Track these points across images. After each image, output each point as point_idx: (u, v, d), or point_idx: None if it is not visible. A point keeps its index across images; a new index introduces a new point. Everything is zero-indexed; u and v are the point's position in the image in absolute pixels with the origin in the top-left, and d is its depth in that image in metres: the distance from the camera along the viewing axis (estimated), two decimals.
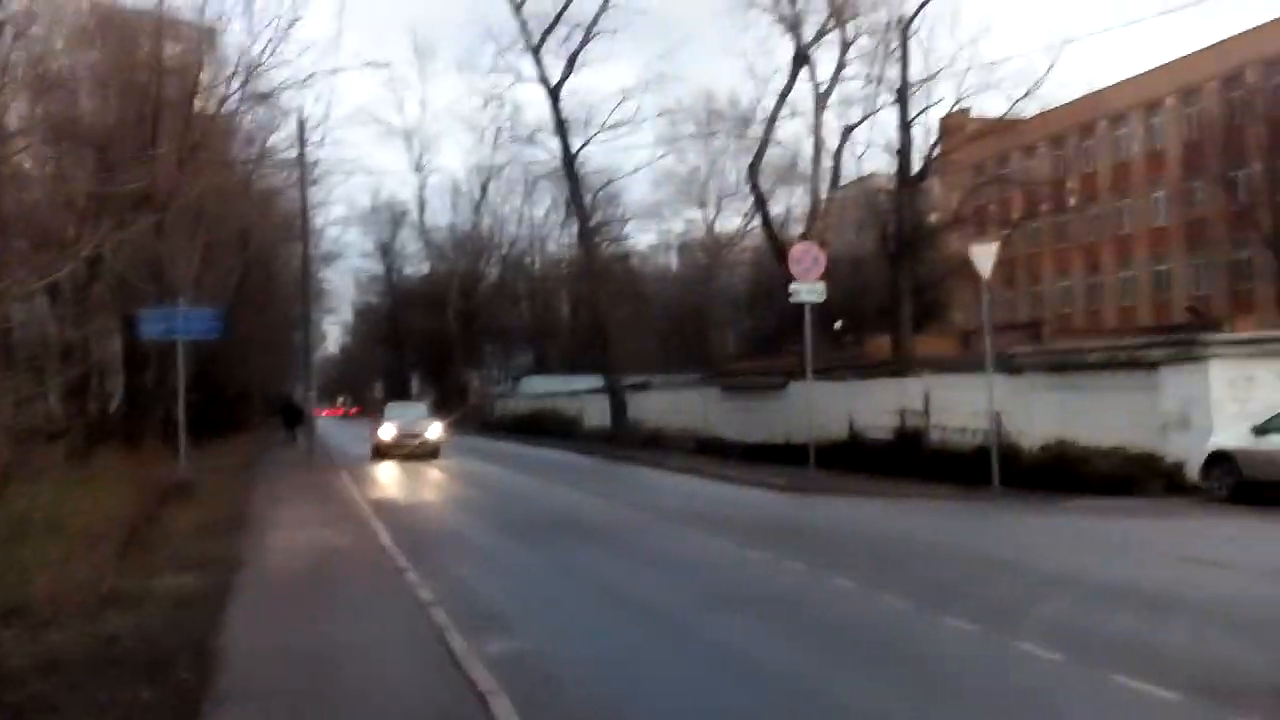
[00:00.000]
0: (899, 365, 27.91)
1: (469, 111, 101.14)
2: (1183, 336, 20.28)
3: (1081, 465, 18.84)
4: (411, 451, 31.05)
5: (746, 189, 76.04)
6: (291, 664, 7.48)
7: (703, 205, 77.36)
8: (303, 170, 28.31)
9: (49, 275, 26.54)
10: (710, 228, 78.49)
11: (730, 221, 79.96)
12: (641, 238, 73.71)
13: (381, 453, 31.53)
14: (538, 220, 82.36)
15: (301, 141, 28.01)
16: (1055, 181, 47.42)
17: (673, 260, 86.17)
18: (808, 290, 22.14)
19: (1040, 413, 20.66)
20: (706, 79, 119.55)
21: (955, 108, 34.76)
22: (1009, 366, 21.88)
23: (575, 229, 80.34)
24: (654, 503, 18.74)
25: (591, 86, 77.64)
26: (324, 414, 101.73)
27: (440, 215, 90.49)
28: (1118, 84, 49.12)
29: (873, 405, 24.92)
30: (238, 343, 39.83)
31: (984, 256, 19.60)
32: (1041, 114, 35.52)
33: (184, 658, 7.33)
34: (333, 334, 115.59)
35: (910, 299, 34.44)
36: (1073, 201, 43.67)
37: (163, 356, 26.55)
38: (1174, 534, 14.27)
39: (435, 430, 32.70)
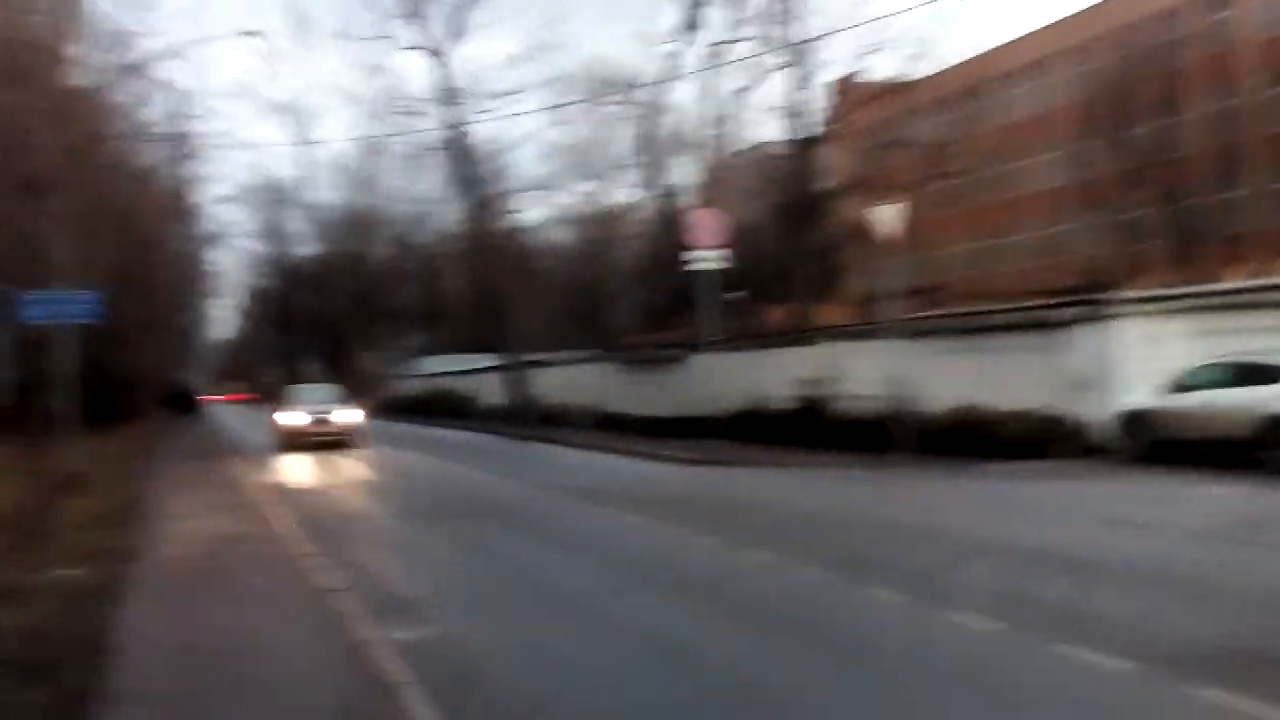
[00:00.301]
0: (800, 334, 27.99)
1: (350, 84, 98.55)
2: (1091, 296, 20.36)
3: (991, 429, 18.83)
4: (324, 441, 27.52)
5: (636, 160, 77.05)
6: (189, 661, 7.13)
7: (592, 178, 76.94)
8: (182, 145, 27.29)
9: None
10: (600, 200, 78.11)
11: (621, 194, 79.86)
12: (530, 213, 72.80)
13: (289, 443, 27.50)
14: (425, 196, 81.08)
15: (180, 114, 27.02)
16: (948, 145, 47.96)
17: (562, 235, 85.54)
18: (707, 257, 22.05)
19: (946, 377, 20.56)
20: (594, 46, 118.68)
21: (849, 71, 34.99)
22: (912, 331, 21.80)
23: (464, 204, 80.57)
24: (562, 481, 18.52)
25: (477, 56, 76.46)
26: (222, 400, 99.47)
27: (326, 193, 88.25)
28: (1008, 44, 49.61)
29: (775, 375, 24.88)
30: (125, 328, 38.57)
31: (886, 218, 19.68)
32: (933, 76, 35.92)
33: (74, 657, 6.96)
34: (225, 318, 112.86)
35: (808, 266, 34.65)
36: (964, 165, 44.11)
37: (51, 344, 25.58)
38: (1094, 496, 14.29)
39: (352, 415, 29.39)
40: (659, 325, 68.49)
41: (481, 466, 21.63)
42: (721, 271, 34.65)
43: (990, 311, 24.70)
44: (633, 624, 8.04)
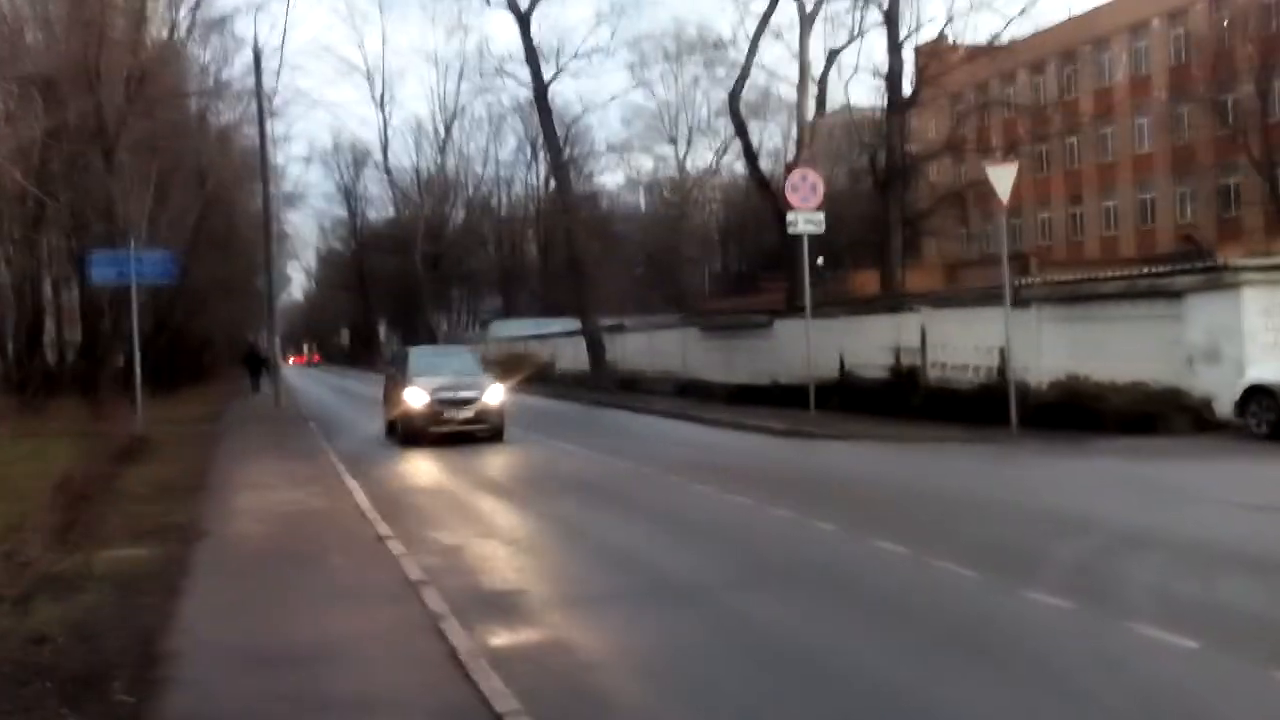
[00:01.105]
0: (894, 300, 26.60)
1: (432, 46, 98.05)
2: (1210, 264, 18.90)
3: (1095, 402, 17.63)
4: (463, 431, 19.51)
5: (719, 123, 75.43)
6: (258, 674, 6.06)
7: (673, 141, 75.76)
8: (260, 101, 26.54)
9: None
10: (681, 164, 76.80)
11: (702, 157, 78.51)
12: (610, 177, 71.67)
13: (415, 432, 19.48)
14: (504, 160, 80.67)
15: (258, 70, 26.20)
16: (1044, 107, 45.95)
17: (641, 199, 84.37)
18: (806, 219, 20.71)
19: (1049, 348, 19.48)
20: (682, 6, 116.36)
21: (942, 32, 33.34)
22: (1015, 299, 20.54)
23: (542, 169, 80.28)
24: (651, 452, 17.34)
25: (561, 15, 75.10)
26: (295, 361, 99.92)
27: (404, 157, 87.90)
28: (1104, 6, 47.70)
29: (865, 343, 23.73)
30: (198, 288, 38.20)
31: (1002, 177, 18.19)
32: (1027, 39, 34.27)
33: (126, 665, 5.95)
34: (297, 280, 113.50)
35: (900, 231, 33.12)
36: (1060, 128, 42.27)
37: (120, 303, 25.03)
38: (1228, 477, 12.96)
39: (495, 394, 20.32)
40: (737, 291, 67.32)
41: (563, 435, 20.56)
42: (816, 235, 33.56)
43: (1099, 279, 23.24)
44: (769, 629, 6.87)
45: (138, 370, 21.09)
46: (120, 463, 15.90)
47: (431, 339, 71.07)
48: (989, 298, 21.37)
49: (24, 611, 7.17)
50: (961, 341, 20.93)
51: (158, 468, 15.52)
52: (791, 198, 20.75)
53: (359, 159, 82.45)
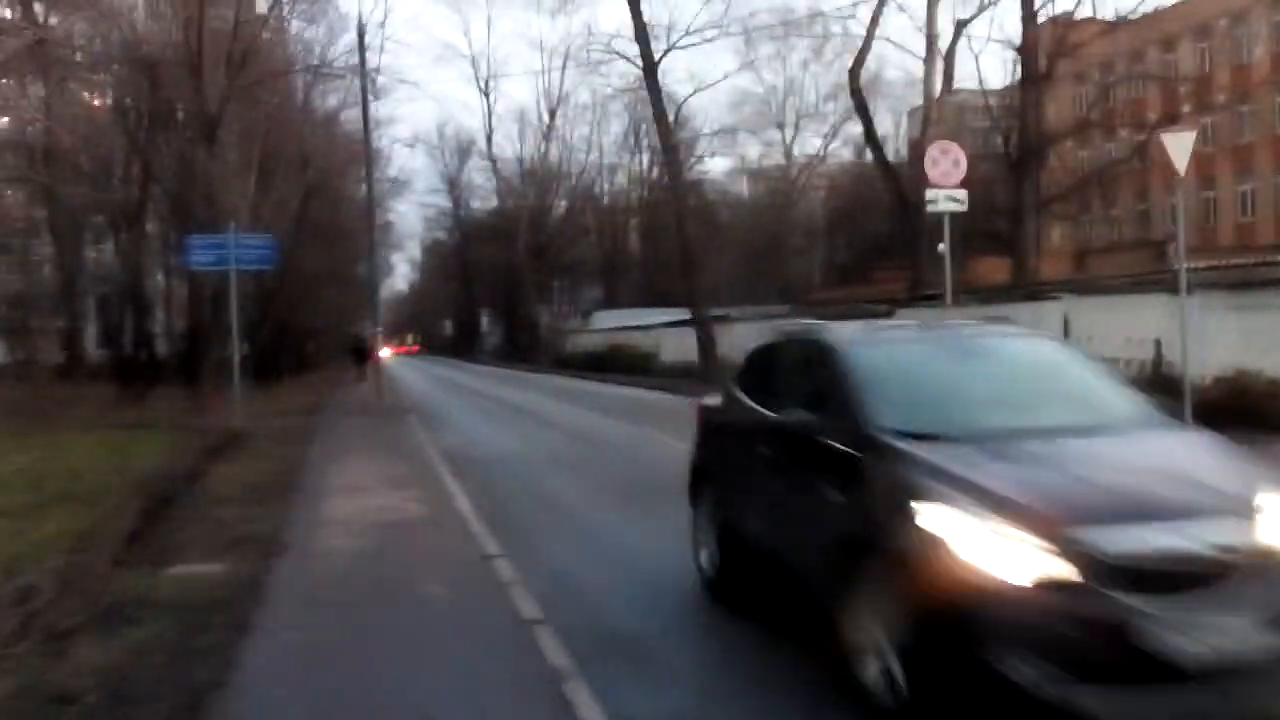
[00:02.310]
0: (1034, 288, 24.69)
1: (537, 32, 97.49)
2: None
3: (1270, 401, 15.66)
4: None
5: (827, 108, 73.25)
6: None
7: (780, 127, 73.77)
8: (364, 79, 25.50)
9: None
10: (789, 150, 74.76)
11: (810, 144, 76.36)
12: (714, 163, 69.97)
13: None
14: (607, 148, 79.60)
15: (361, 48, 25.12)
16: (1184, 82, 42.97)
17: (744, 187, 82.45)
18: (947, 197, 18.88)
19: (1215, 340, 17.38)
20: None
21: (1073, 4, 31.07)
22: (1174, 286, 18.63)
23: (645, 157, 79.12)
24: None
25: None
26: (395, 351, 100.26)
27: (507, 146, 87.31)
28: None
29: None
30: (302, 278, 37.64)
31: (1179, 145, 16.08)
32: (1161, 12, 31.98)
33: None
34: (402, 271, 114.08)
35: (1034, 215, 30.99)
36: (1201, 106, 39.56)
37: (223, 292, 24.32)
38: None
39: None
40: (846, 281, 65.11)
41: (671, 431, 19.03)
42: (925, 221, 31.75)
43: (1274, 262, 21.17)
44: None
45: (236, 361, 20.22)
46: (210, 459, 14.89)
47: (534, 330, 70.47)
48: (1141, 284, 19.73)
49: (61, 651, 5.95)
50: (1110, 333, 19.07)
51: (248, 465, 14.45)
52: (931, 173, 18.93)
53: (463, 148, 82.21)
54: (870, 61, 39.86)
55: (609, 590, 7.77)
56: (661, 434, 19.01)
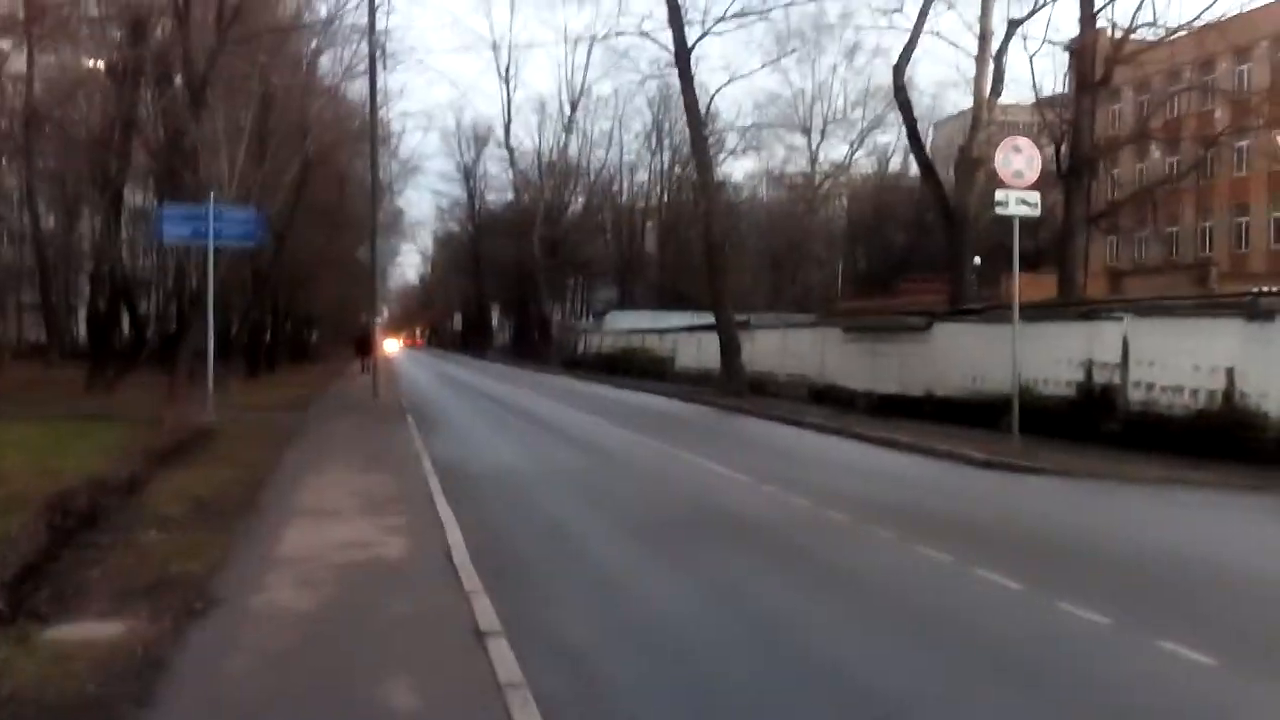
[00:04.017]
0: (1086, 306, 22.50)
1: (561, 20, 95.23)
2: None
3: None
4: None
5: (855, 114, 71.05)
6: None
7: (806, 132, 71.63)
8: (371, 40, 23.16)
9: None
10: (814, 156, 72.64)
11: (836, 150, 74.36)
12: (736, 165, 67.65)
13: None
14: (628, 144, 77.76)
15: (371, 6, 22.85)
16: (1253, 95, 40.41)
17: (764, 190, 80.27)
18: (1019, 199, 16.66)
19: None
20: None
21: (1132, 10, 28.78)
22: (1252, 310, 16.53)
23: (666, 156, 76.79)
24: (823, 483, 13.44)
25: None
26: (399, 345, 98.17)
27: (526, 139, 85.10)
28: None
29: (1046, 355, 19.77)
30: (301, 261, 35.46)
31: None
32: (1224, 22, 29.69)
33: None
34: (413, 262, 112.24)
35: (1085, 228, 28.71)
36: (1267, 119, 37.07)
37: (212, 269, 22.22)
38: None
39: None
40: (867, 293, 62.82)
41: (704, 451, 16.86)
42: (964, 235, 29.64)
43: None
44: None
45: (210, 349, 17.96)
46: (163, 462, 12.67)
47: (545, 328, 68.19)
48: (1213, 307, 17.85)
49: None
50: (1175, 359, 17.17)
51: (205, 472, 12.21)
52: (1003, 173, 16.71)
53: (480, 137, 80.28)
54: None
55: (652, 694, 5.55)
56: (688, 451, 16.80)
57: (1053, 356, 19.85)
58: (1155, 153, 44.28)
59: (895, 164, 75.03)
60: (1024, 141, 17.50)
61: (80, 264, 38.48)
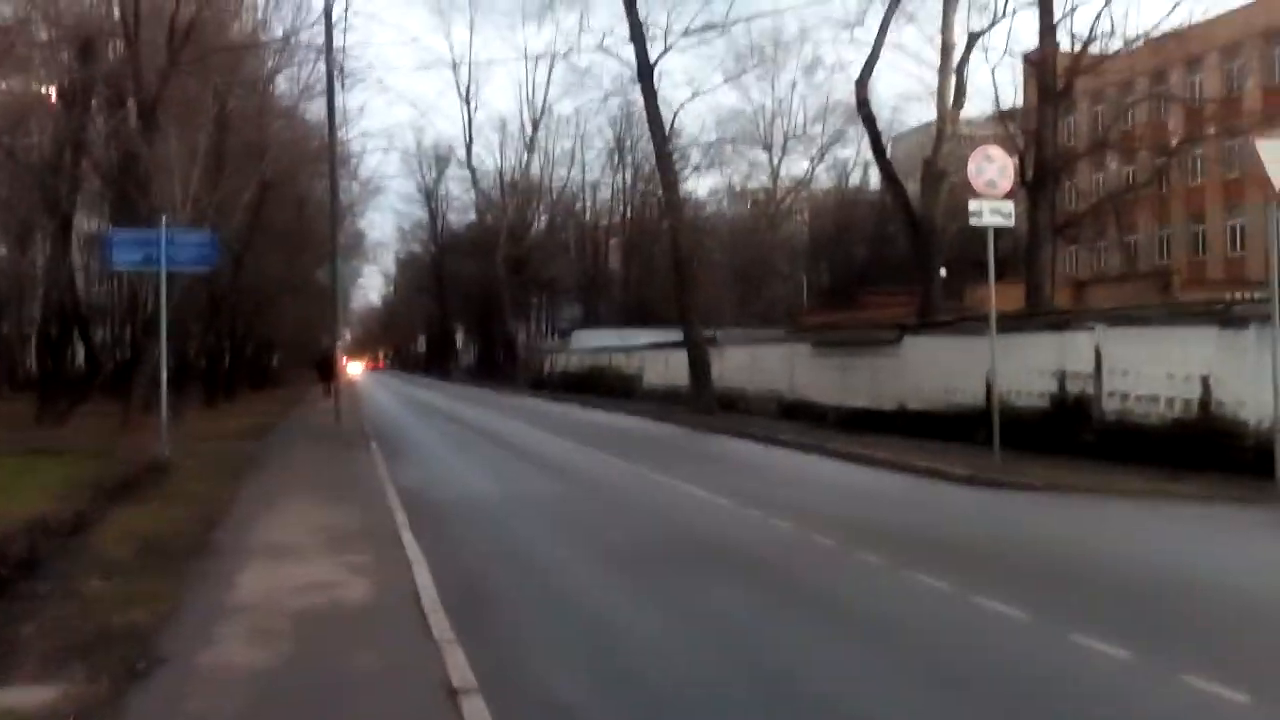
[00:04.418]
0: (1058, 316, 22.24)
1: (522, 40, 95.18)
2: None
3: None
4: None
5: (815, 129, 71.09)
6: None
7: (768, 148, 71.63)
8: (329, 57, 22.49)
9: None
10: (775, 171, 72.66)
11: (797, 165, 74.47)
12: (697, 183, 67.39)
13: None
14: (590, 163, 77.58)
15: (328, 24, 22.22)
16: (1208, 104, 40.61)
17: (725, 205, 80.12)
18: (992, 209, 16.29)
19: (1260, 377, 14.85)
20: None
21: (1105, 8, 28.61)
22: (1225, 318, 16.27)
23: (629, 174, 76.42)
24: (791, 500, 12.97)
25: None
26: (363, 367, 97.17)
27: (487, 159, 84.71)
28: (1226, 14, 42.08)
29: (1019, 366, 19.45)
30: (261, 284, 34.74)
31: (1276, 155, 13.66)
32: (1182, 31, 29.79)
33: None
34: (375, 284, 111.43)
35: (1052, 238, 28.50)
36: (1230, 128, 37.16)
37: (170, 293, 21.49)
38: None
39: None
40: (832, 305, 62.61)
41: (678, 470, 16.37)
42: (925, 245, 29.34)
43: None
44: None
45: (164, 377, 17.26)
46: (113, 499, 12.02)
47: (510, 348, 67.44)
48: (1186, 315, 17.52)
49: None
50: (1150, 368, 16.87)
51: (157, 510, 11.56)
52: (976, 181, 16.33)
53: (442, 157, 79.77)
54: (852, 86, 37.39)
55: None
56: (664, 474, 16.27)
57: (1025, 367, 19.55)
58: (1112, 163, 44.30)
59: (855, 178, 75.47)
60: (996, 150, 17.19)
61: (34, 292, 37.52)
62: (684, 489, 14.57)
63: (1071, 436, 17.83)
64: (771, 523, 11.48)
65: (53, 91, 25.74)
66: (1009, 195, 17.05)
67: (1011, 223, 17.01)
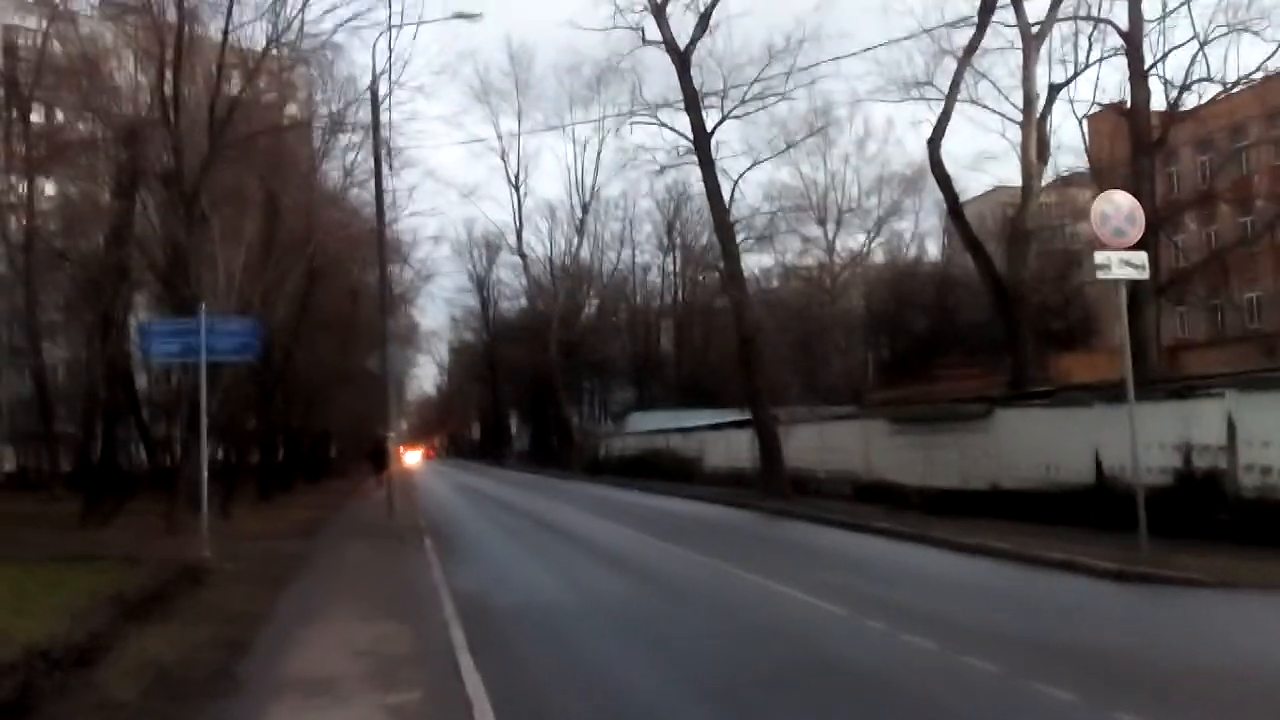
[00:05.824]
0: (1179, 383, 20.41)
1: (569, 121, 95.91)
2: None
3: None
4: None
5: (869, 202, 69.91)
6: None
7: (822, 222, 70.42)
8: (376, 137, 21.50)
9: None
10: (831, 246, 71.46)
11: (854, 239, 73.21)
12: (751, 260, 65.98)
13: None
14: (640, 244, 77.25)
15: (375, 102, 21.25)
16: None
17: (774, 282, 78.80)
18: (1122, 260, 14.59)
19: None
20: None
21: (1199, 53, 27.08)
22: None
23: (678, 256, 75.36)
24: (925, 612, 11.04)
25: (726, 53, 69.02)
26: (419, 456, 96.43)
27: (537, 244, 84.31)
28: None
29: (1128, 438, 17.63)
30: (313, 374, 33.76)
31: None
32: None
33: None
34: (429, 373, 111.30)
35: (1156, 298, 26.76)
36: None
37: (224, 390, 20.45)
38: None
39: None
40: (895, 379, 60.80)
41: (761, 566, 14.65)
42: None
43: None
44: None
45: (203, 472, 15.98)
46: (137, 615, 10.58)
47: (565, 433, 66.13)
48: None
49: None
50: None
51: (182, 629, 10.08)
52: (1101, 232, 14.66)
53: (492, 245, 79.75)
54: (919, 153, 36.24)
55: None
56: (751, 570, 14.54)
57: (1142, 441, 17.68)
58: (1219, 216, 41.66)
59: (911, 251, 74.34)
60: (1121, 195, 15.47)
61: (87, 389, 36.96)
62: (778, 590, 12.83)
63: (1201, 517, 16.04)
64: (902, 638, 9.56)
65: (105, 189, 25.30)
66: (1141, 245, 15.34)
67: (1146, 274, 15.23)
